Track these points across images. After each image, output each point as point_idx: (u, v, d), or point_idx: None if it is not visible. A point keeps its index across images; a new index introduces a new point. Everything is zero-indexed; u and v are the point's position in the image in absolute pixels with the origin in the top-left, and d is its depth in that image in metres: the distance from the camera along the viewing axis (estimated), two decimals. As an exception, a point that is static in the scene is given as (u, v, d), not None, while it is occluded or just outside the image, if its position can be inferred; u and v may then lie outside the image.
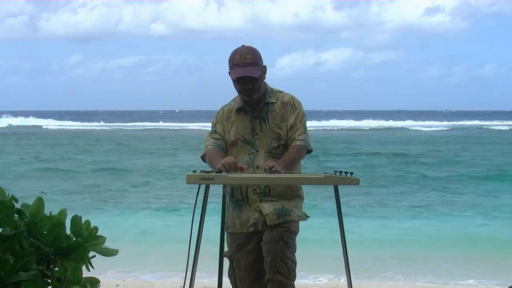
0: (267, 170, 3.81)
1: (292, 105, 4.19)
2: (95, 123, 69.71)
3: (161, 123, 69.99)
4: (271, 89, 4.25)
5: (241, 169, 3.87)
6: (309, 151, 4.21)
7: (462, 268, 9.35)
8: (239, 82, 4.08)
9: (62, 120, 74.19)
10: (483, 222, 12.88)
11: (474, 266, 9.48)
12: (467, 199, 15.62)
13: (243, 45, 4.15)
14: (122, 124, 68.03)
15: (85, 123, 69.14)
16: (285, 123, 4.16)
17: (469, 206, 14.62)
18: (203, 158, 4.21)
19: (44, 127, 59.96)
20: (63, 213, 2.13)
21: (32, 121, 69.97)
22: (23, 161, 25.00)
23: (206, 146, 4.18)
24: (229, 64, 4.11)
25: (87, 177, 20.05)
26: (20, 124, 64.84)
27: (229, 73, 4.13)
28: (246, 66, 4.03)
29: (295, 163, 4.10)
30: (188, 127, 59.09)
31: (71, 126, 63.43)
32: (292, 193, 4.17)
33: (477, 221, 12.88)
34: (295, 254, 4.13)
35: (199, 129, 51.53)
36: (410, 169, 22.18)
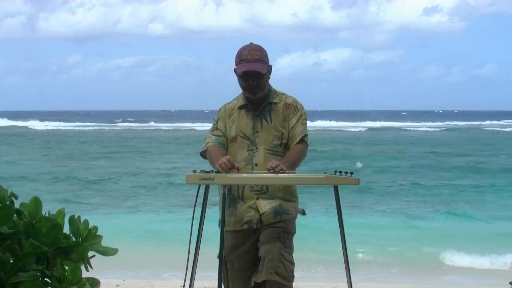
0: (271, 171, 3.79)
1: (294, 107, 4.21)
2: (76, 123, 69.53)
3: (150, 124, 70.00)
4: (275, 90, 4.26)
5: (238, 169, 3.86)
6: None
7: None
8: (244, 77, 4.09)
9: (48, 121, 73.70)
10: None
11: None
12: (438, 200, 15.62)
13: (251, 43, 4.16)
14: (104, 124, 68.17)
15: (64, 123, 68.65)
16: (287, 123, 4.17)
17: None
18: (202, 154, 4.20)
19: (30, 127, 59.41)
20: (61, 213, 2.12)
21: (17, 122, 69.51)
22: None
23: (207, 143, 4.17)
24: (236, 60, 4.11)
25: (73, 179, 19.88)
26: (4, 125, 64.17)
27: (234, 70, 4.13)
28: (254, 62, 4.04)
29: (299, 163, 4.11)
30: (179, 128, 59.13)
31: (57, 126, 62.66)
32: (289, 192, 4.16)
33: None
34: (292, 254, 4.12)
35: (190, 129, 51.53)
36: (391, 170, 22.03)
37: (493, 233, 11.87)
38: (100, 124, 68.35)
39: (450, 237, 11.37)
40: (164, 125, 64.63)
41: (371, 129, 56.88)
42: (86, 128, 58.83)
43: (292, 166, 3.98)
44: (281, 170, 3.78)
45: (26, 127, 59.66)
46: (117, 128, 60.51)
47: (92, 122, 72.78)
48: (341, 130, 54.22)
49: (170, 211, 14.04)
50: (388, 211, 14.19)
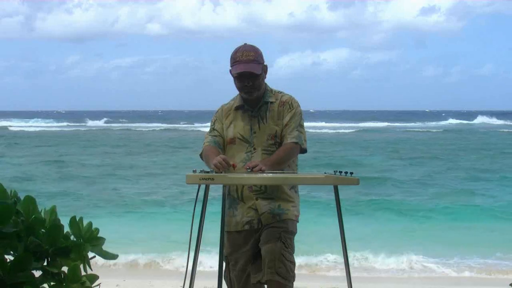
0: (249, 170, 3.80)
1: (290, 104, 4.20)
2: (56, 124, 69.20)
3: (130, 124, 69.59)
4: (271, 89, 4.27)
5: (234, 167, 3.87)
6: (303, 150, 4.19)
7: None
8: (239, 78, 4.09)
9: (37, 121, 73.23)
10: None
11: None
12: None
13: (245, 43, 4.17)
14: (80, 124, 67.82)
15: (46, 124, 68.02)
16: (281, 121, 4.17)
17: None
18: (201, 156, 4.22)
19: (10, 128, 58.53)
20: (53, 211, 2.11)
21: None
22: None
23: (204, 144, 4.20)
24: (231, 61, 4.12)
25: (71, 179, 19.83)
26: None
27: (230, 71, 4.14)
28: (248, 63, 4.04)
29: (284, 162, 4.06)
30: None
31: (36, 127, 61.52)
32: (289, 192, 4.16)
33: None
34: (293, 254, 4.11)
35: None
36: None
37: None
38: (77, 124, 67.83)
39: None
40: (140, 125, 64.19)
41: (359, 130, 55.12)
42: (68, 129, 57.88)
43: (277, 165, 3.95)
44: (260, 170, 3.78)
45: (6, 128, 59.04)
46: (94, 128, 59.70)
47: (78, 123, 72.05)
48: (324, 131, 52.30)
49: (171, 211, 14.03)
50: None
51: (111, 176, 20.40)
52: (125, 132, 50.68)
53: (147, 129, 56.92)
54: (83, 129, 58.62)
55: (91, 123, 71.49)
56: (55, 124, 69.22)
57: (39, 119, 77.38)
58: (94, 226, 2.19)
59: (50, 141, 37.47)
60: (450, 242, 10.84)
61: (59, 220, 2.10)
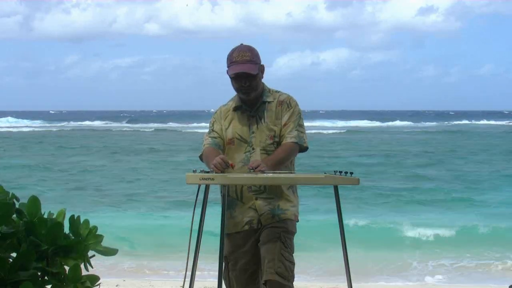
0: (251, 170, 3.80)
1: (288, 103, 4.20)
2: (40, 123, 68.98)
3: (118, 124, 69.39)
4: (269, 89, 4.27)
5: (231, 166, 3.87)
6: (304, 149, 4.19)
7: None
8: (236, 79, 4.10)
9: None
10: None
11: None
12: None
13: (241, 44, 4.17)
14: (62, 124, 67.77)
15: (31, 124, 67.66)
16: (279, 120, 4.16)
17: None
18: (201, 157, 4.22)
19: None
20: (62, 213, 2.13)
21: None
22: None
23: (204, 145, 4.19)
24: (227, 62, 4.12)
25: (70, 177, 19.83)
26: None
27: (227, 71, 4.14)
28: (244, 63, 4.04)
29: (284, 161, 4.06)
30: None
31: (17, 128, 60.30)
32: (288, 192, 4.16)
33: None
34: (293, 254, 4.11)
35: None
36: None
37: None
38: (58, 124, 67.59)
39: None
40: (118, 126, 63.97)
41: (349, 130, 54.15)
42: (51, 129, 56.89)
43: (277, 165, 3.96)
44: (260, 171, 3.77)
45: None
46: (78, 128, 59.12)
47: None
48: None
49: (170, 211, 14.02)
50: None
51: (108, 175, 20.43)
52: (104, 133, 49.86)
53: (131, 129, 56.27)
54: (55, 129, 56.86)
55: (72, 123, 70.54)
56: (27, 124, 68.20)
57: (24, 120, 76.61)
58: (93, 224, 2.20)
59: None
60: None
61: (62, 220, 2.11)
